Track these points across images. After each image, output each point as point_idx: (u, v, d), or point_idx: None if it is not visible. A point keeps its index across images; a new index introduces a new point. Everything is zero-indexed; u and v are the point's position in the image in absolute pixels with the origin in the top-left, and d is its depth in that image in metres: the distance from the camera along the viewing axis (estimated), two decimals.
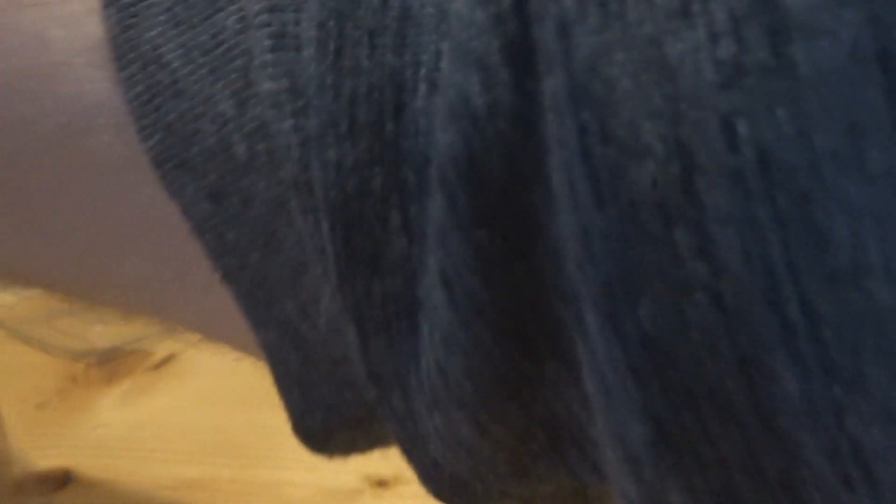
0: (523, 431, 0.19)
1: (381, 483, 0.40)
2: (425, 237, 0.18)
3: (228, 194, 0.20)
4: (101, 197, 0.22)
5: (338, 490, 0.40)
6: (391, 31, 0.17)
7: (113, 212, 0.22)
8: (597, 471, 0.19)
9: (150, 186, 0.21)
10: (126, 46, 0.20)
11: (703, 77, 0.15)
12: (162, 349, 0.48)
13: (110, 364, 0.48)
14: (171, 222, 0.21)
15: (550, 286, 0.17)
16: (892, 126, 0.14)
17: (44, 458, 0.43)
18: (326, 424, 0.22)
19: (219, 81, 0.19)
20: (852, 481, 0.16)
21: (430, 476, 0.20)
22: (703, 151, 0.15)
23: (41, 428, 0.44)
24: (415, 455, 0.20)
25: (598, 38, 0.15)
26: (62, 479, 0.42)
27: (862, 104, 0.14)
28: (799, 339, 0.15)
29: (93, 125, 0.21)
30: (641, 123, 0.15)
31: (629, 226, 0.15)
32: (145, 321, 0.26)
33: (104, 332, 0.48)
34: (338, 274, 0.18)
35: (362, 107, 0.17)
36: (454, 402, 0.18)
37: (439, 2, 0.17)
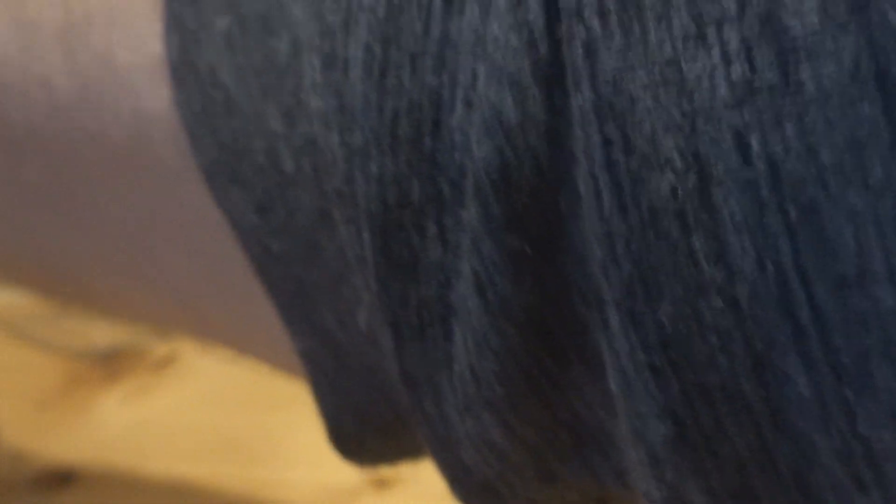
0: (550, 435, 0.19)
1: (381, 483, 0.40)
2: (459, 246, 0.19)
3: (275, 207, 0.21)
4: (154, 208, 0.23)
5: (338, 490, 0.40)
6: (431, 55, 0.19)
7: (164, 223, 0.23)
8: (620, 477, 0.19)
9: (200, 199, 0.22)
10: (185, 68, 0.21)
11: (717, 95, 0.16)
12: (162, 349, 0.48)
13: (111, 364, 0.48)
14: (218, 235, 0.22)
15: (577, 290, 0.18)
16: (891, 140, 0.15)
17: (44, 457, 0.43)
18: (359, 430, 0.23)
19: (270, 101, 0.21)
20: (865, 483, 0.16)
21: (459, 481, 0.21)
22: (718, 164, 0.16)
23: (41, 428, 0.44)
24: (445, 459, 0.21)
25: (621, 58, 0.16)
26: (62, 479, 0.42)
27: (863, 120, 0.15)
28: (810, 343, 0.16)
29: (150, 140, 0.22)
30: (661, 137, 0.16)
31: (649, 232, 0.16)
32: (182, 335, 0.27)
33: (105, 331, 0.48)
34: (376, 280, 0.20)
35: (403, 123, 0.19)
36: (485, 405, 0.19)
37: (476, 27, 0.18)
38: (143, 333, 0.48)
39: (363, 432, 0.23)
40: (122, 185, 0.23)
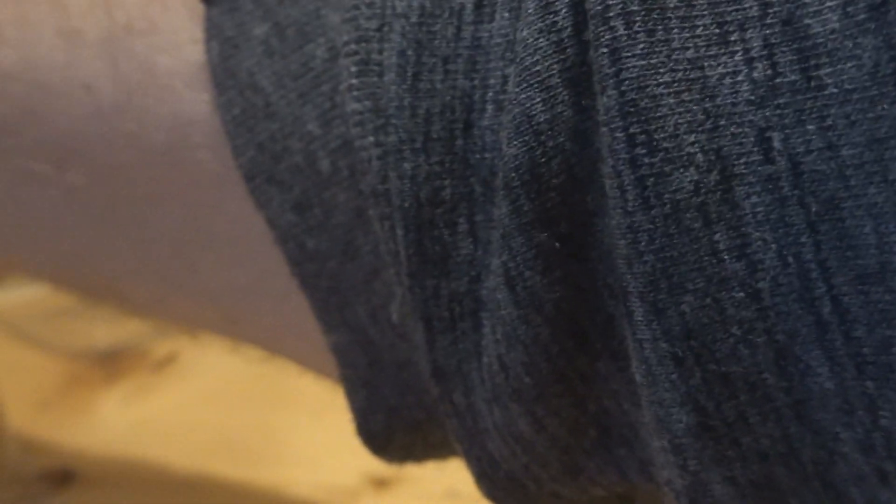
0: (576, 427, 0.20)
1: (381, 483, 0.40)
2: (490, 242, 0.20)
3: (311, 206, 0.22)
4: (191, 210, 0.24)
5: (338, 489, 0.40)
6: (463, 59, 0.20)
7: (201, 224, 0.24)
8: (644, 469, 0.20)
9: (237, 201, 0.23)
10: (225, 73, 0.22)
11: (740, 95, 0.17)
12: (163, 349, 0.48)
13: (111, 364, 0.48)
14: (254, 237, 0.23)
15: (604, 284, 0.19)
16: None
17: (44, 457, 0.43)
18: (388, 426, 0.23)
19: (307, 104, 0.22)
20: (887, 475, 0.17)
21: (486, 474, 0.22)
22: (740, 161, 0.17)
23: (42, 428, 0.44)
24: (473, 452, 0.21)
25: (645, 61, 0.17)
26: (63, 479, 0.42)
27: (883, 118, 0.16)
28: (832, 336, 0.16)
29: (189, 143, 0.23)
30: (684, 136, 0.17)
31: (672, 226, 0.17)
32: (204, 334, 0.28)
33: (105, 331, 0.48)
34: (409, 275, 0.20)
35: (436, 124, 0.20)
36: (513, 396, 0.20)
37: (506, 32, 0.19)
38: (143, 333, 0.48)
39: (392, 428, 0.23)
40: (162, 189, 0.24)
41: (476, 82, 0.19)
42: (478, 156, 0.19)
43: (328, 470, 0.40)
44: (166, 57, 0.23)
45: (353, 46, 0.20)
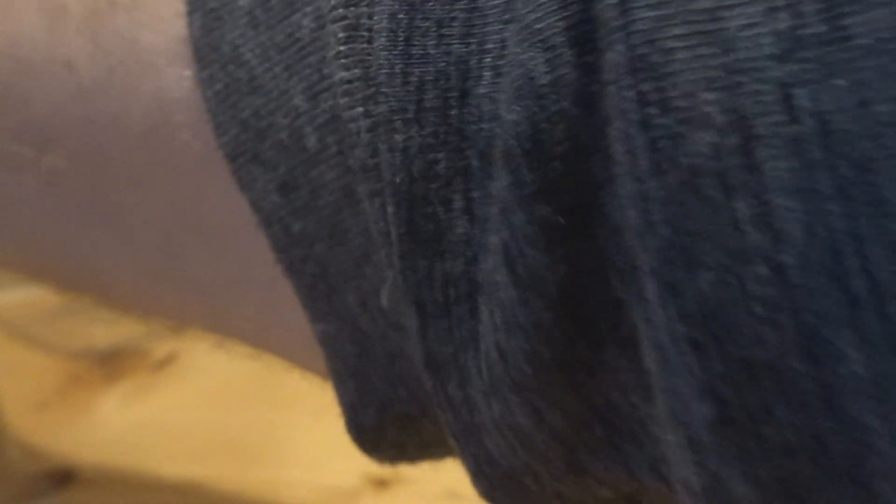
0: (580, 421, 0.19)
1: (381, 483, 0.40)
2: (487, 220, 0.18)
3: (297, 186, 0.21)
4: (175, 195, 0.23)
5: (338, 490, 0.40)
6: (458, 22, 0.18)
7: (184, 210, 0.23)
8: (655, 470, 0.18)
9: (221, 185, 0.22)
10: (207, 47, 0.21)
11: (761, 49, 0.15)
12: (162, 349, 0.48)
13: (111, 364, 0.48)
14: (238, 221, 0.22)
15: (611, 265, 0.17)
16: None
17: (44, 457, 0.43)
18: (379, 421, 0.22)
19: (293, 77, 0.20)
20: None
21: (482, 472, 0.20)
22: (762, 121, 0.15)
23: (41, 428, 0.44)
24: (469, 449, 0.20)
25: (656, 12, 0.16)
26: (62, 479, 0.42)
27: None
28: (864, 314, 0.15)
29: (172, 123, 0.22)
30: (700, 93, 0.15)
31: (688, 194, 0.16)
32: (197, 330, 0.27)
33: (104, 332, 0.48)
34: (400, 256, 0.19)
35: (429, 93, 0.18)
36: (512, 387, 0.18)
37: None
38: (143, 333, 0.48)
39: (384, 424, 0.22)
40: (144, 174, 0.23)
41: (472, 47, 0.18)
42: (474, 126, 0.18)
43: (328, 470, 0.40)
44: (149, 32, 0.22)
45: (340, 11, 0.19)
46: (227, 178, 0.21)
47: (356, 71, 0.19)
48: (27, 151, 0.24)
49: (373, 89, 0.19)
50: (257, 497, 0.40)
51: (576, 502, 0.20)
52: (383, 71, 0.19)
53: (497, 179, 0.18)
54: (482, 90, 0.18)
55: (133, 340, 0.48)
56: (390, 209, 0.19)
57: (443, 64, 0.18)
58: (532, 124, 0.17)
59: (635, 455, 0.19)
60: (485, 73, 0.18)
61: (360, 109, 0.19)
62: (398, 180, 0.19)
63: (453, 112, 0.18)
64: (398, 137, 0.19)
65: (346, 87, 0.19)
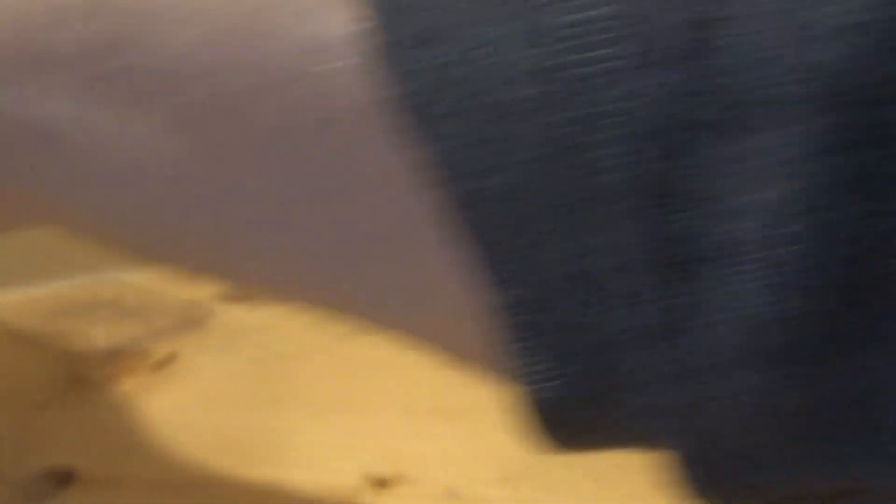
0: (830, 405, 0.17)
1: (381, 483, 0.40)
2: (742, 175, 0.17)
3: (496, 139, 0.19)
4: (323, 146, 0.21)
5: (338, 490, 0.40)
6: None
7: (334, 163, 0.21)
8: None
9: (379, 137, 0.20)
10: None
11: None
12: (162, 349, 0.48)
13: (110, 364, 0.48)
14: (396, 178, 0.20)
15: None
16: None
17: (44, 457, 0.43)
18: (569, 396, 0.20)
19: (495, 24, 0.19)
20: None
21: (704, 455, 0.19)
22: None
23: (41, 428, 0.44)
24: (692, 426, 0.19)
25: None
26: (62, 479, 0.42)
27: None
28: None
29: (325, 69, 0.20)
30: None
31: None
32: (296, 305, 0.25)
33: (104, 332, 0.48)
34: (630, 213, 0.18)
35: (676, 38, 0.17)
36: (752, 360, 0.17)
37: None
38: (143, 333, 0.48)
39: (572, 399, 0.20)
40: (288, 120, 0.21)
41: None
42: (728, 78, 0.17)
43: (328, 470, 0.40)
44: None
45: None
46: (389, 130, 0.20)
47: (591, 13, 0.18)
48: (161, 89, 0.22)
49: (610, 34, 0.18)
50: (257, 497, 0.40)
51: (793, 492, 0.19)
52: (624, 13, 0.17)
53: (762, 132, 0.16)
54: (735, 40, 0.17)
55: (133, 340, 0.48)
56: (623, 160, 0.18)
57: (696, 6, 0.17)
58: (854, 64, 0.16)
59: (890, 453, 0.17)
60: (733, 23, 0.17)
61: (594, 54, 0.18)
62: (636, 131, 0.17)
63: (703, 61, 0.17)
64: (639, 84, 0.17)
65: (576, 30, 0.18)
